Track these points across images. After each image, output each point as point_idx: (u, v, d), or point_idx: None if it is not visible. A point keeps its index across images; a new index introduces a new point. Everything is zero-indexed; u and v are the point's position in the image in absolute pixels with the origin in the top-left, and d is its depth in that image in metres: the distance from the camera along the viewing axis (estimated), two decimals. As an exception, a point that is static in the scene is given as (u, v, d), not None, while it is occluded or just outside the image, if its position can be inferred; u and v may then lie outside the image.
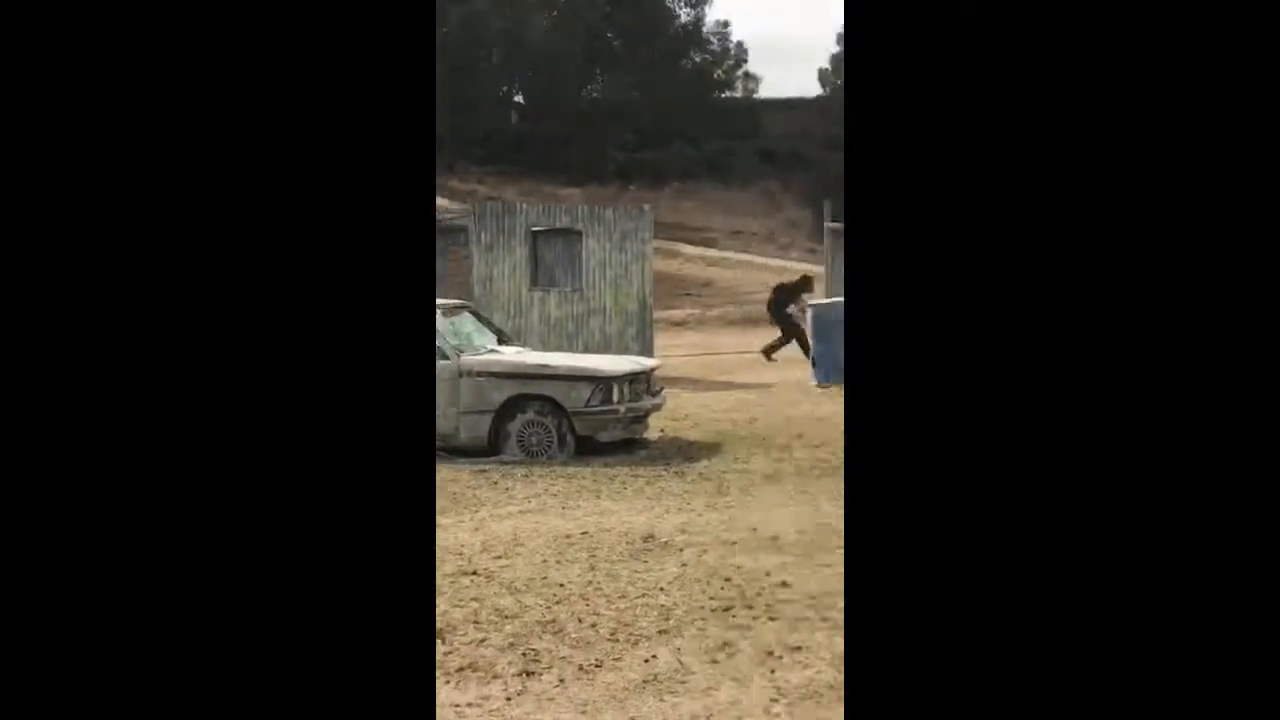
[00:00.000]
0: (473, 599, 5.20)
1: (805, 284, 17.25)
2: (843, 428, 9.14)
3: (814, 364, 13.89)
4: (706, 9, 47.97)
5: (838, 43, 60.55)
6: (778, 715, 3.93)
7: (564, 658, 4.47)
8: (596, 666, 4.37)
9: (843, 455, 8.28)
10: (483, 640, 4.67)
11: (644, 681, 4.26)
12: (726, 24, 53.12)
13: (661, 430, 10.23)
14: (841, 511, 6.91)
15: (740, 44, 49.35)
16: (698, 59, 47.80)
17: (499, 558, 5.95)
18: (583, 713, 3.97)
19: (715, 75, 48.62)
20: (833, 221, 21.39)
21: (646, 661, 4.46)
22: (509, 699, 4.09)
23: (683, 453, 9.36)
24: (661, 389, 10.23)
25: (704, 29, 47.97)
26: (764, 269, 33.79)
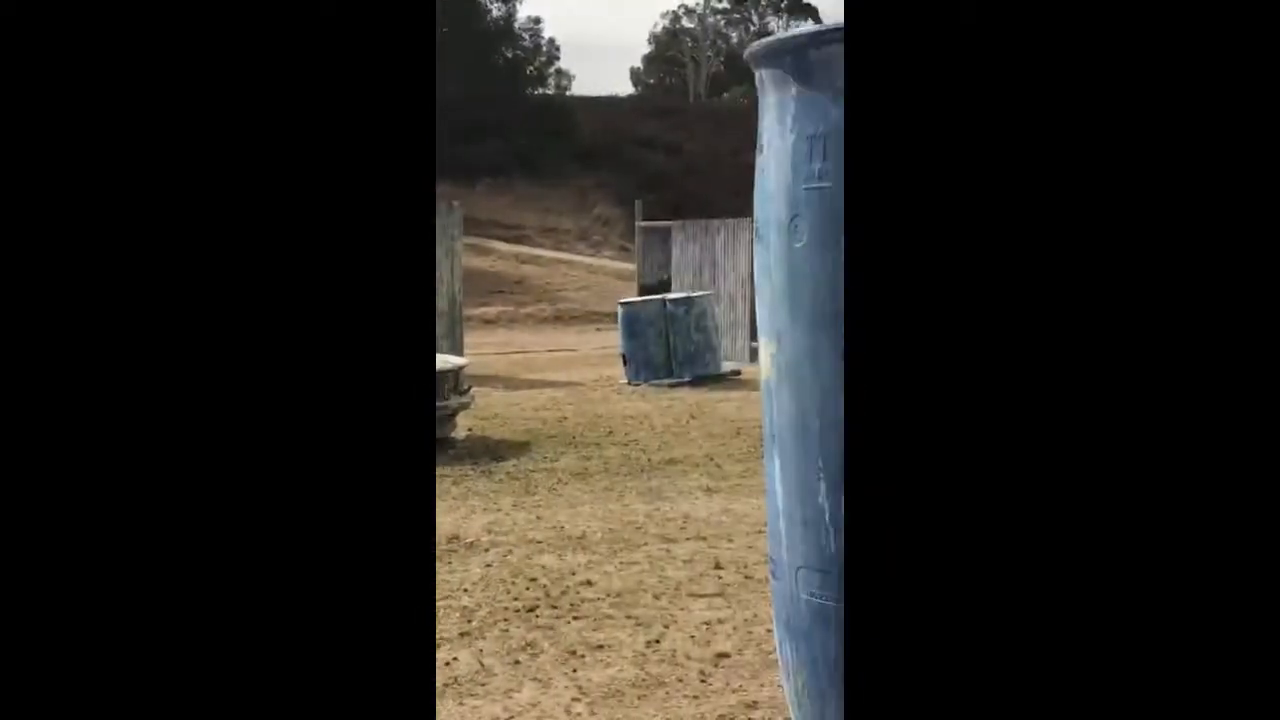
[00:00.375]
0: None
1: (664, 285, 17.44)
2: (651, 425, 9.16)
3: (625, 362, 13.98)
4: (518, 5, 48.02)
5: (649, 43, 61.40)
6: (579, 715, 3.93)
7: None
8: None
9: (650, 453, 8.28)
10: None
11: (444, 685, 4.21)
12: (538, 20, 53.40)
13: (470, 429, 10.15)
14: (648, 508, 7.04)
15: (552, 41, 49.62)
16: (510, 55, 47.74)
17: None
18: None
19: (527, 71, 48.67)
20: (645, 221, 21.54)
21: (447, 664, 4.41)
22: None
23: (491, 451, 9.29)
24: (470, 387, 10.14)
25: (515, 25, 47.95)
26: (577, 267, 33.91)
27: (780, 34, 1.55)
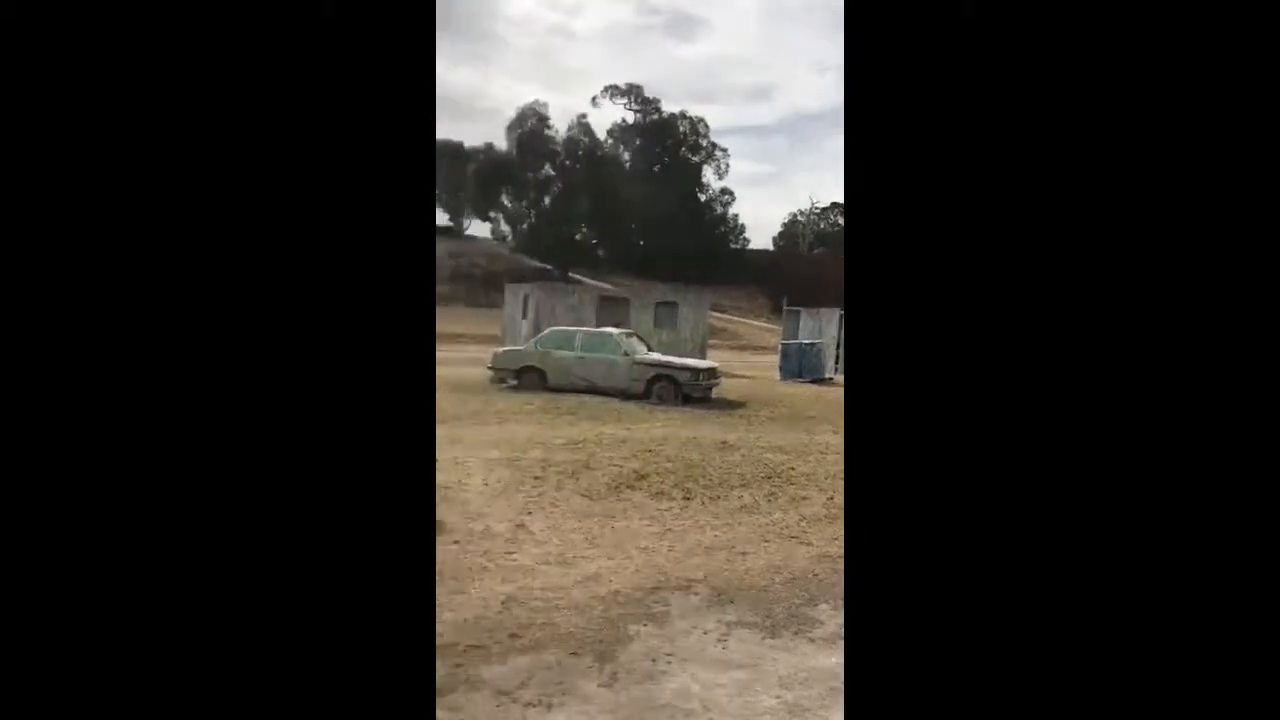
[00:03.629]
0: (643, 455, 5.17)
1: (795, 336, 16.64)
2: (798, 399, 8.84)
3: (780, 370, 13.67)
4: (731, 205, 45.23)
5: (781, 225, 58.60)
6: (804, 528, 3.91)
7: (701, 492, 4.47)
8: (713, 499, 4.38)
9: (800, 412, 7.99)
10: (643, 478, 4.64)
11: (739, 509, 4.24)
12: (728, 200, 51.11)
13: (716, 396, 10.15)
14: (809, 438, 6.85)
15: (737, 216, 47.07)
16: (720, 230, 46.02)
17: (662, 444, 5.94)
18: (715, 515, 3.96)
19: (726, 235, 47.06)
20: (788, 306, 20.71)
21: (740, 499, 4.44)
22: (672, 514, 4.06)
23: (728, 406, 9.24)
24: (718, 375, 10.12)
25: (729, 213, 45.99)
26: (749, 325, 33.25)
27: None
